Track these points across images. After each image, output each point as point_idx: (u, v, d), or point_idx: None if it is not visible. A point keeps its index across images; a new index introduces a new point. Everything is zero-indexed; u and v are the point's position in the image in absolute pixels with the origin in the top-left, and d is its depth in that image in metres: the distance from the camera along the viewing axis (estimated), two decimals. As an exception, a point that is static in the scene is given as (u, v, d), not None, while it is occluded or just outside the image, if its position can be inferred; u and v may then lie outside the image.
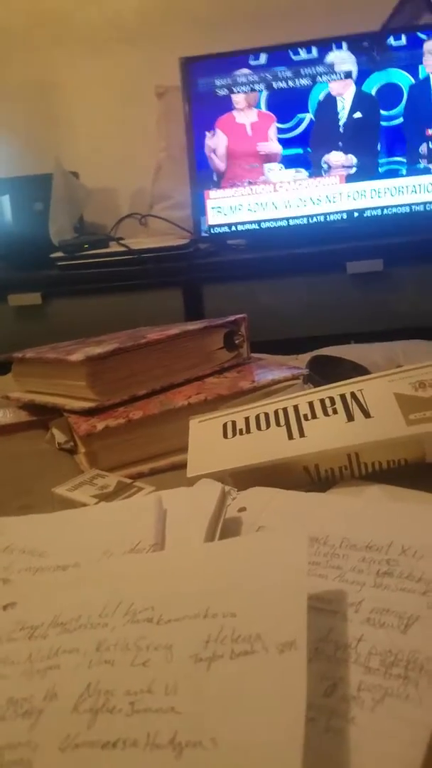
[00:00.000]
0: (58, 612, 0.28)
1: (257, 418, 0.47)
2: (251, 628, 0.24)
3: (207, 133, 1.41)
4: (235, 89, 1.39)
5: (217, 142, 1.42)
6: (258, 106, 1.40)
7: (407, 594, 0.27)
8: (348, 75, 1.37)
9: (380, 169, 1.39)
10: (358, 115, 1.39)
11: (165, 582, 0.28)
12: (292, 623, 0.24)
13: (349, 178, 1.39)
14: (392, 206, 1.38)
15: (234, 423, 0.47)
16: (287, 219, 1.40)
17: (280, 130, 1.41)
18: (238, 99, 1.40)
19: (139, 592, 0.28)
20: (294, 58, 1.37)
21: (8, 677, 0.26)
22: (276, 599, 0.25)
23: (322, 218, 1.40)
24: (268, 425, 0.46)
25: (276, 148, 1.41)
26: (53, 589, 0.31)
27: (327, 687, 0.24)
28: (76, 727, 0.22)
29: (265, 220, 1.41)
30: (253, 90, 1.39)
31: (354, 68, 1.37)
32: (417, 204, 1.38)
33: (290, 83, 1.38)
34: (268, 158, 1.42)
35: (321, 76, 1.37)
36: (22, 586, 0.33)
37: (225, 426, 0.47)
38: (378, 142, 1.39)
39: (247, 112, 1.41)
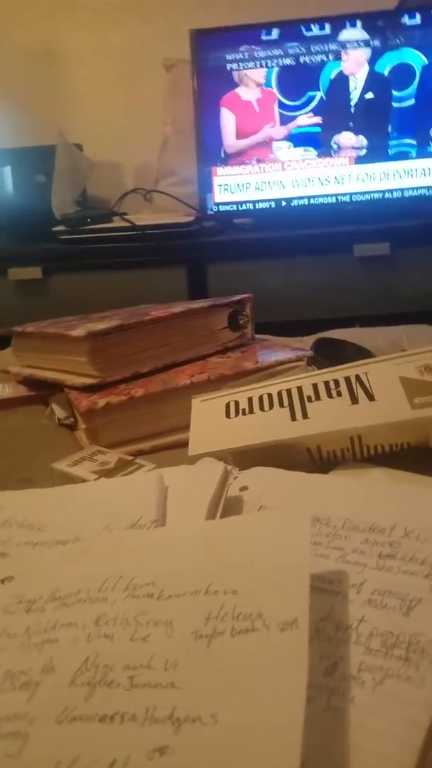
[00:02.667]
0: (56, 586, 0.28)
1: (260, 398, 0.46)
2: (252, 605, 0.24)
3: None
4: (245, 64, 1.36)
5: (224, 121, 1.39)
6: (268, 82, 1.37)
7: (410, 576, 0.27)
8: (361, 54, 1.34)
9: (390, 151, 1.36)
10: (370, 95, 1.36)
11: (166, 558, 0.28)
12: (294, 602, 0.23)
13: (359, 160, 1.37)
14: (401, 189, 1.36)
15: (237, 403, 0.47)
16: (295, 199, 1.38)
17: (290, 107, 1.38)
18: (253, 74, 1.36)
19: (140, 567, 0.28)
20: (306, 34, 1.34)
21: (6, 650, 0.25)
22: (278, 577, 0.25)
23: (330, 199, 1.37)
24: (271, 406, 0.45)
25: (305, 121, 1.37)
26: (52, 563, 0.31)
27: (327, 666, 0.24)
28: (74, 700, 0.22)
29: (272, 200, 1.39)
30: (263, 65, 1.36)
31: (367, 47, 1.33)
32: (426, 187, 1.35)
33: (302, 60, 1.35)
34: (276, 136, 1.39)
35: (333, 54, 1.34)
36: (21, 560, 0.32)
37: (228, 406, 0.47)
38: (389, 124, 1.36)
39: (254, 89, 1.37)
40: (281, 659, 0.22)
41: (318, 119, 1.37)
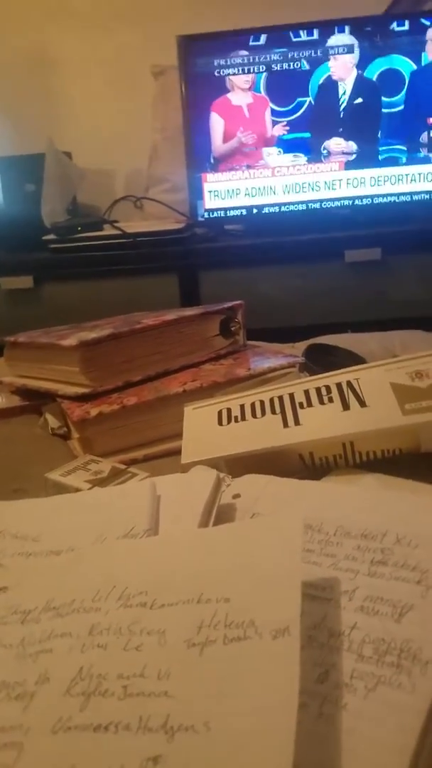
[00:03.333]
0: (51, 596, 0.28)
1: (252, 405, 0.47)
2: (245, 613, 0.24)
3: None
4: (233, 70, 1.37)
5: (213, 126, 1.40)
6: (257, 88, 1.38)
7: (401, 583, 0.27)
8: (349, 59, 1.35)
9: (380, 157, 1.38)
10: (359, 100, 1.37)
11: (159, 567, 0.28)
12: (286, 609, 0.24)
13: (349, 165, 1.38)
14: (391, 194, 1.37)
15: (229, 410, 0.47)
16: (285, 205, 1.39)
17: (279, 113, 1.39)
18: (239, 80, 1.37)
19: (132, 576, 0.28)
20: (295, 40, 1.35)
21: (1, 661, 0.26)
22: (270, 585, 0.25)
23: (320, 205, 1.38)
24: (263, 413, 0.45)
25: (279, 131, 1.39)
26: (46, 574, 0.31)
27: (320, 674, 0.24)
28: (68, 710, 0.22)
29: (262, 205, 1.39)
30: (251, 71, 1.37)
31: (356, 52, 1.35)
32: (416, 193, 1.37)
33: (290, 65, 1.36)
34: (266, 142, 1.40)
35: (322, 60, 1.35)
36: (15, 571, 0.33)
37: (220, 413, 0.47)
38: (379, 129, 1.37)
39: (244, 94, 1.38)
40: (273, 667, 0.22)
41: (287, 128, 1.37)
